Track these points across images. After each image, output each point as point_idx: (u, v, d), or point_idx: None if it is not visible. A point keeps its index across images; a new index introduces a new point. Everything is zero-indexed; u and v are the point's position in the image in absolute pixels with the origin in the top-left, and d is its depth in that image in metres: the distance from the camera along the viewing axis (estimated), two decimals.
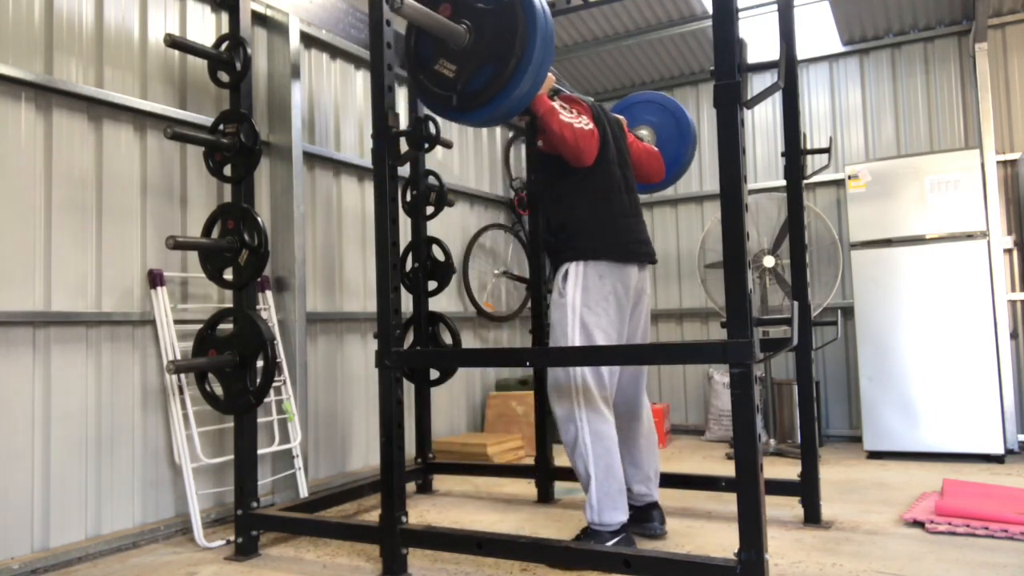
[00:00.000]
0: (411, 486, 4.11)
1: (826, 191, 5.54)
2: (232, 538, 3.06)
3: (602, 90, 6.44)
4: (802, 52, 5.49)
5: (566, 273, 2.84)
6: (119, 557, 2.93)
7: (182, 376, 3.20)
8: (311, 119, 4.16)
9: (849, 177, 4.82)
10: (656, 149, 3.37)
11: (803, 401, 3.22)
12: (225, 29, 3.66)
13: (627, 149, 3.12)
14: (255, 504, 2.96)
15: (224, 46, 3.03)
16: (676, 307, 6.07)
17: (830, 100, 5.60)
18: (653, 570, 2.17)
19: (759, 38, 5.38)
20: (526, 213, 5.65)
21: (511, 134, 6.01)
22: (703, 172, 6.05)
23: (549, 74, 2.75)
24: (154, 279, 3.23)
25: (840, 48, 5.51)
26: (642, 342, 3.03)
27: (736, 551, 2.04)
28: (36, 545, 2.80)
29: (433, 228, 4.70)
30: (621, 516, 2.71)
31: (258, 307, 3.04)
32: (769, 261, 5.06)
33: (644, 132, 3.67)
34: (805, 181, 3.32)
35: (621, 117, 3.28)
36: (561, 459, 4.09)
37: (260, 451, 3.30)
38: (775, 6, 4.83)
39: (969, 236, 4.51)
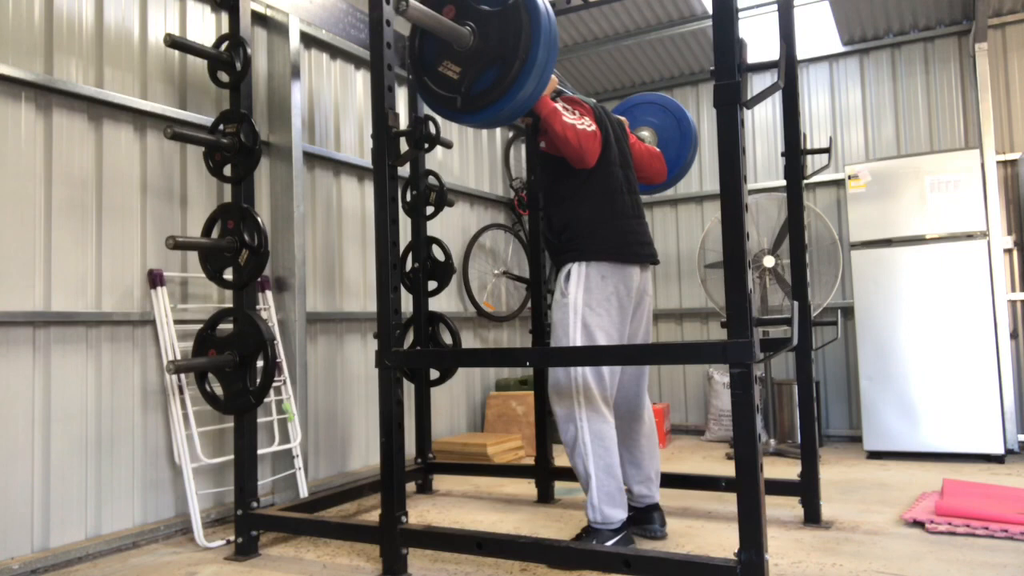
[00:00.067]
0: (411, 486, 4.11)
1: (826, 191, 5.54)
2: (232, 538, 3.06)
3: (602, 90, 6.45)
4: (802, 52, 5.50)
5: (568, 273, 2.85)
6: (119, 557, 2.93)
7: (182, 376, 3.21)
8: (311, 119, 4.16)
9: (849, 177, 4.82)
10: (658, 150, 3.37)
11: (803, 401, 3.22)
12: (225, 29, 3.66)
13: (629, 150, 3.13)
14: (255, 504, 2.96)
15: (224, 46, 3.03)
16: (676, 307, 6.07)
17: (830, 100, 5.60)
18: (653, 570, 2.17)
19: (759, 38, 5.38)
20: (526, 213, 5.66)
21: (511, 134, 6.01)
22: (703, 172, 6.05)
23: (552, 76, 2.76)
24: (154, 279, 3.23)
25: (840, 48, 5.51)
26: (643, 343, 3.03)
27: (736, 551, 2.04)
28: (36, 545, 2.80)
29: (433, 228, 4.71)
30: (621, 514, 2.74)
31: (258, 307, 3.04)
32: (769, 261, 5.06)
33: (646, 133, 3.67)
34: (805, 181, 3.32)
35: (623, 118, 3.28)
36: (561, 459, 4.09)
37: (260, 451, 3.30)
38: (775, 6, 4.85)
39: (969, 236, 4.51)
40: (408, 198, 4.12)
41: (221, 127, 3.01)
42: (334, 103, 4.35)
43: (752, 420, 2.02)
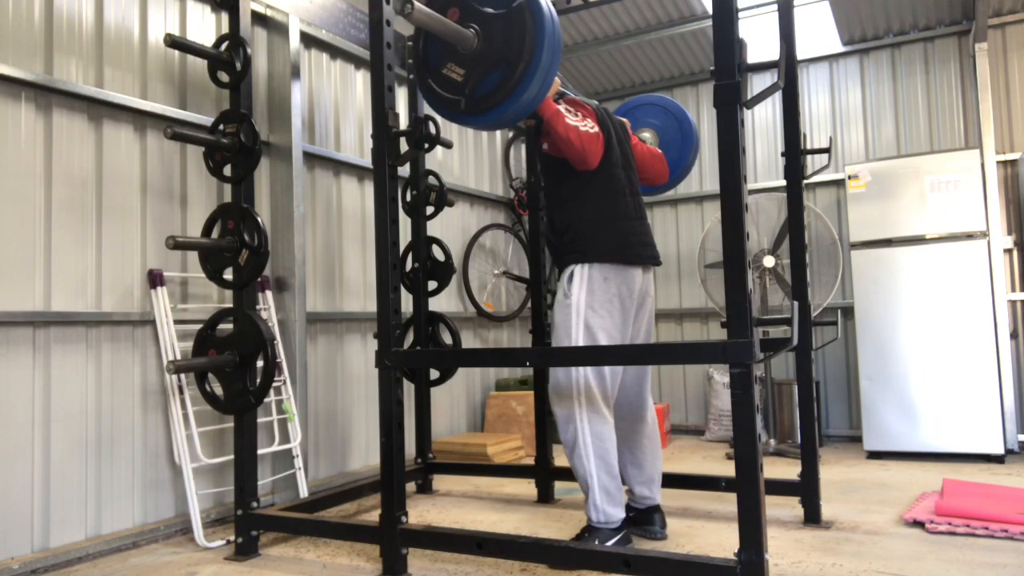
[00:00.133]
0: (411, 486, 4.11)
1: (826, 191, 5.54)
2: (232, 538, 3.06)
3: (602, 90, 6.45)
4: (802, 52, 5.50)
5: (571, 275, 2.85)
6: (119, 557, 2.93)
7: (182, 376, 3.21)
8: (311, 119, 4.16)
9: (849, 177, 4.82)
10: (660, 151, 3.37)
11: (803, 401, 3.22)
12: (225, 29, 3.66)
13: (631, 152, 3.13)
14: (255, 504, 2.96)
15: (224, 46, 3.03)
16: (676, 307, 6.07)
17: (830, 100, 5.60)
18: (653, 570, 2.17)
19: (759, 38, 5.38)
20: (526, 213, 5.66)
21: (511, 134, 6.01)
22: (703, 172, 6.05)
23: (555, 78, 2.76)
24: (154, 279, 3.23)
25: (840, 48, 5.51)
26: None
27: (736, 551, 2.04)
28: (36, 545, 2.80)
29: (433, 228, 4.71)
30: (621, 513, 2.75)
31: (258, 307, 3.04)
32: (769, 261, 5.06)
33: (647, 135, 3.68)
34: (805, 181, 3.32)
35: (625, 120, 3.28)
36: (561, 459, 4.09)
37: (260, 451, 3.30)
38: (775, 6, 4.85)
39: (969, 236, 4.51)
40: (408, 198, 4.12)
41: (221, 127, 3.01)
42: (334, 103, 4.35)
43: (752, 420, 2.02)
